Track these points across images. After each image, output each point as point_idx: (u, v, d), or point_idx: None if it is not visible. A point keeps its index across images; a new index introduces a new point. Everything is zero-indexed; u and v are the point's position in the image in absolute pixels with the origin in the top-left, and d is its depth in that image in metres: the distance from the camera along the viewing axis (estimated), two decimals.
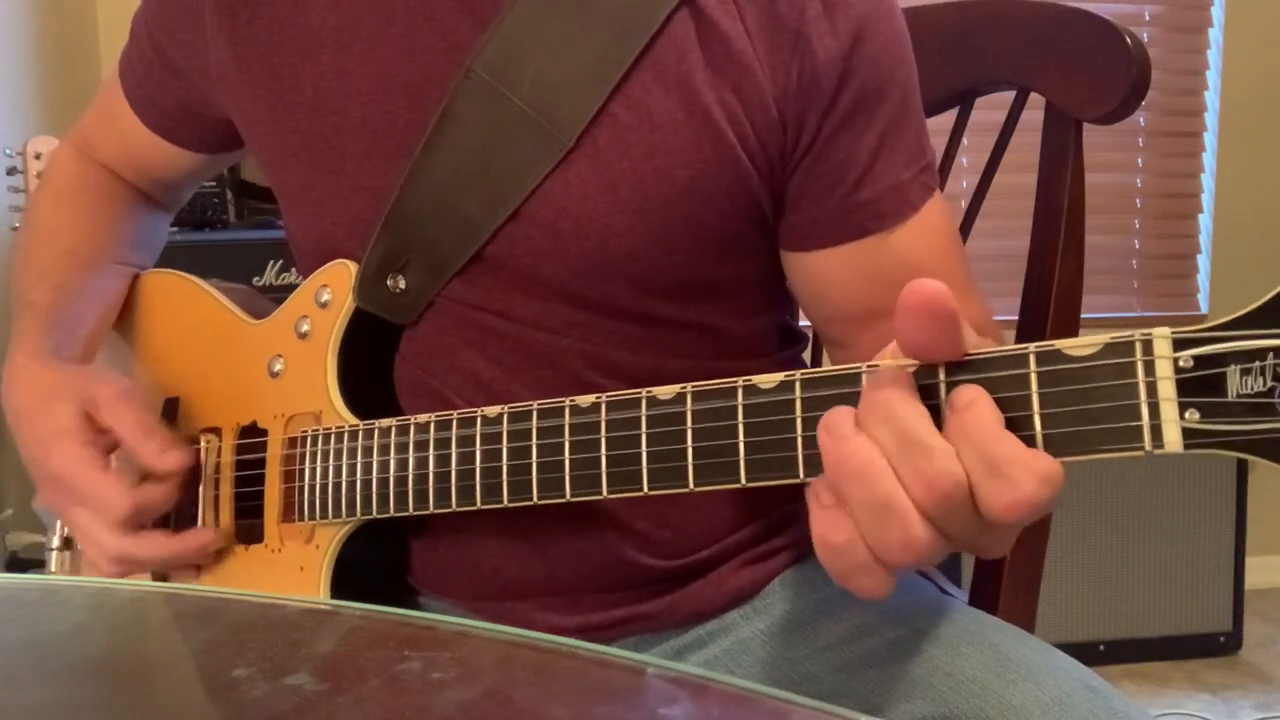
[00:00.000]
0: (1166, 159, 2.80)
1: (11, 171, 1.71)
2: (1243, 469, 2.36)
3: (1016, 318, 0.94)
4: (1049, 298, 0.90)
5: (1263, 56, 2.75)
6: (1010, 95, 0.97)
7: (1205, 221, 2.82)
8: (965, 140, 1.01)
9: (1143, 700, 2.22)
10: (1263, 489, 2.45)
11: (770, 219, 0.79)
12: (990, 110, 1.00)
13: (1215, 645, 2.39)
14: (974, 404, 0.50)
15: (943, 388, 0.52)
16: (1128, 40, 0.85)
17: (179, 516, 0.85)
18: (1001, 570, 0.90)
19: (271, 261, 1.83)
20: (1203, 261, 2.83)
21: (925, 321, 0.51)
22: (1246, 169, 2.78)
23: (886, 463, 0.51)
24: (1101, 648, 2.34)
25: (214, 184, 1.95)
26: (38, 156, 1.67)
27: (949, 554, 0.54)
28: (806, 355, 0.94)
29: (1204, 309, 2.82)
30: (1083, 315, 0.92)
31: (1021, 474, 0.49)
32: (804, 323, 0.92)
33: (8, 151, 1.70)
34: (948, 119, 1.01)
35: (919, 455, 0.50)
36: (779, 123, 0.75)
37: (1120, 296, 2.81)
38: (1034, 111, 0.94)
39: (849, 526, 0.52)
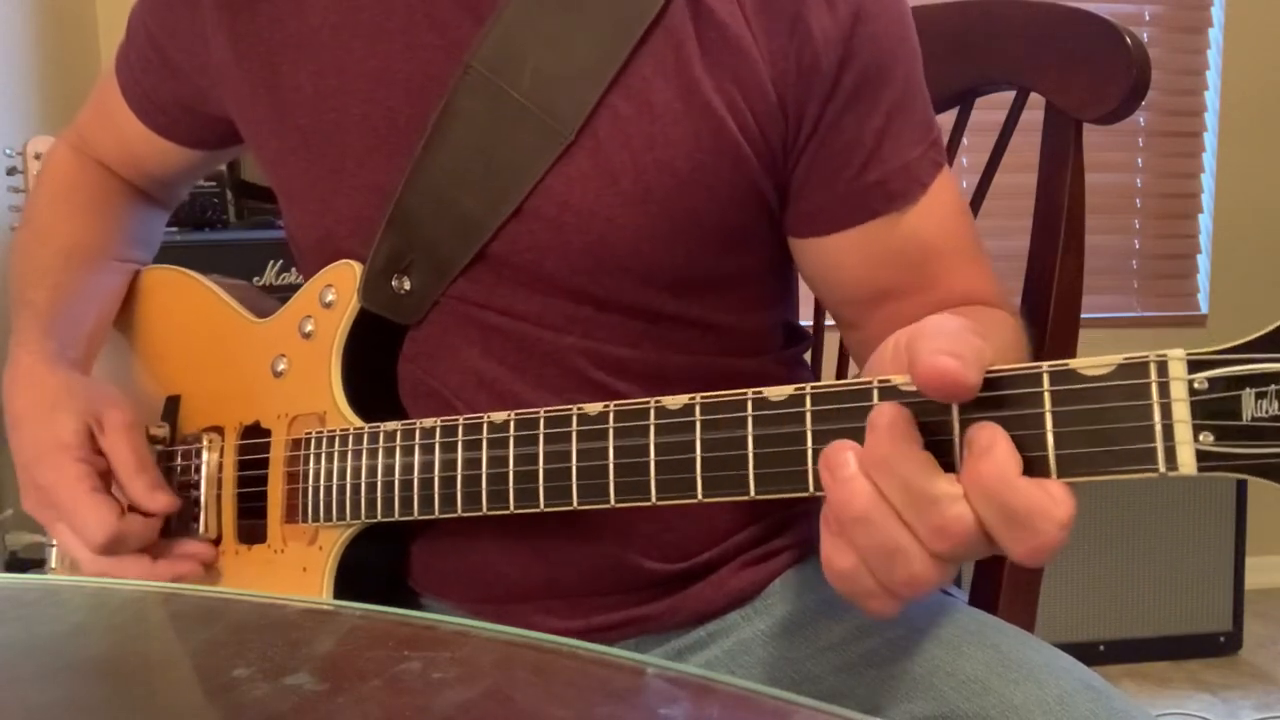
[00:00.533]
0: (1166, 159, 2.80)
1: (11, 171, 1.71)
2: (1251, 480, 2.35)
3: None
4: (1049, 298, 0.90)
5: (1263, 56, 2.75)
6: (1010, 95, 0.97)
7: (1205, 221, 2.82)
8: (965, 140, 1.01)
9: (1143, 700, 2.22)
10: (1263, 490, 2.43)
11: (774, 209, 0.78)
12: (990, 110, 0.99)
13: (1215, 645, 2.39)
14: (992, 449, 0.50)
15: (954, 405, 0.52)
16: (1128, 40, 0.85)
17: (179, 515, 0.85)
18: (1001, 570, 0.90)
19: (271, 261, 1.83)
20: (1203, 261, 2.83)
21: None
22: (1246, 169, 2.78)
23: (890, 508, 0.51)
24: (1101, 648, 2.34)
25: (214, 184, 1.95)
26: (37, 156, 1.67)
27: None
28: (807, 357, 0.94)
29: (1204, 309, 2.82)
30: (1083, 315, 0.92)
31: (1043, 523, 0.49)
32: (805, 322, 0.92)
33: (8, 151, 1.70)
34: (948, 119, 1.00)
35: (927, 506, 0.50)
36: (779, 108, 0.74)
37: (1120, 296, 2.81)
38: (1034, 111, 0.94)
39: (854, 556, 0.53)
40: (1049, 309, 0.90)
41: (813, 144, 0.75)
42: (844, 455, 0.52)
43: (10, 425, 0.84)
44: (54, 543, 0.92)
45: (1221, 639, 2.39)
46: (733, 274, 0.80)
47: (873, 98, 0.75)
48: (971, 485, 0.50)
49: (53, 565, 0.92)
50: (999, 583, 0.91)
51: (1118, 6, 2.70)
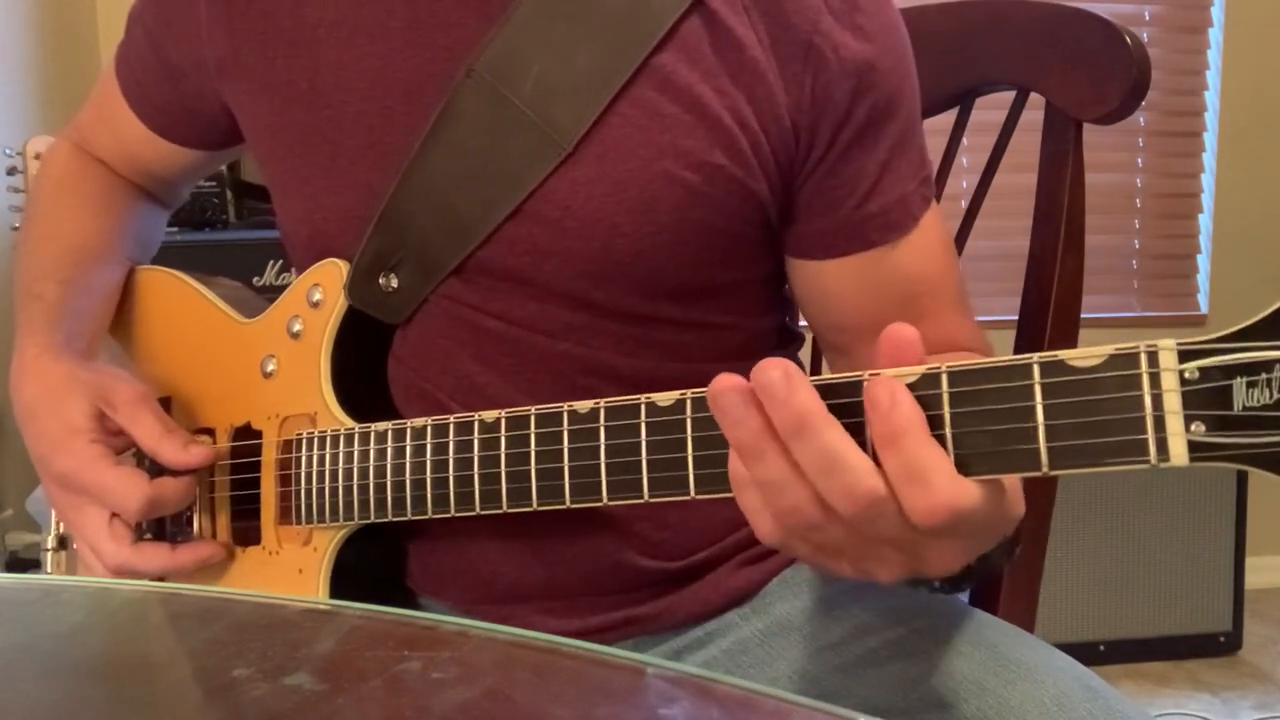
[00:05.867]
0: (1166, 159, 2.80)
1: (11, 171, 1.71)
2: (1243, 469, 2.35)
3: (1016, 318, 0.94)
4: (1049, 298, 0.90)
5: (1263, 56, 2.75)
6: (1010, 95, 0.97)
7: (1205, 221, 2.82)
8: (965, 140, 1.01)
9: (1143, 700, 2.22)
10: (1263, 490, 2.45)
11: (775, 226, 0.79)
12: (990, 110, 1.00)
13: (1215, 645, 2.39)
14: (897, 404, 0.50)
15: (945, 398, 0.52)
16: (1128, 40, 0.85)
17: (173, 518, 0.84)
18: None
19: (271, 261, 1.83)
20: (1203, 261, 2.83)
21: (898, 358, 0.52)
22: (1246, 169, 2.78)
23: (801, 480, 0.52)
24: (1101, 648, 2.34)
25: (214, 184, 1.95)
26: (37, 156, 1.67)
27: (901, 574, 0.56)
28: (804, 355, 0.94)
29: (1204, 309, 2.82)
30: (1083, 315, 0.92)
31: (942, 480, 0.50)
32: (801, 323, 0.92)
33: (8, 151, 1.70)
34: (948, 119, 1.01)
35: (838, 471, 0.51)
36: (792, 133, 0.75)
37: (1120, 296, 2.81)
38: (1034, 111, 0.94)
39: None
40: (1049, 309, 0.90)
41: (821, 170, 0.76)
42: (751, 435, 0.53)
43: (21, 418, 0.83)
44: (48, 546, 0.92)
45: (1221, 639, 2.39)
46: (733, 283, 0.80)
47: (879, 131, 0.76)
48: (882, 440, 0.51)
49: (48, 568, 0.92)
50: (999, 583, 0.91)
51: (1118, 6, 2.69)
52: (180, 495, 0.80)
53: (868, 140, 0.76)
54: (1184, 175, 2.81)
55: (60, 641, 0.57)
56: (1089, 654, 2.28)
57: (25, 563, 1.83)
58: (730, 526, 0.82)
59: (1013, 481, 0.56)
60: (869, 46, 0.74)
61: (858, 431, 0.52)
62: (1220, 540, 2.36)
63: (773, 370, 0.52)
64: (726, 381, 0.53)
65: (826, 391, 0.55)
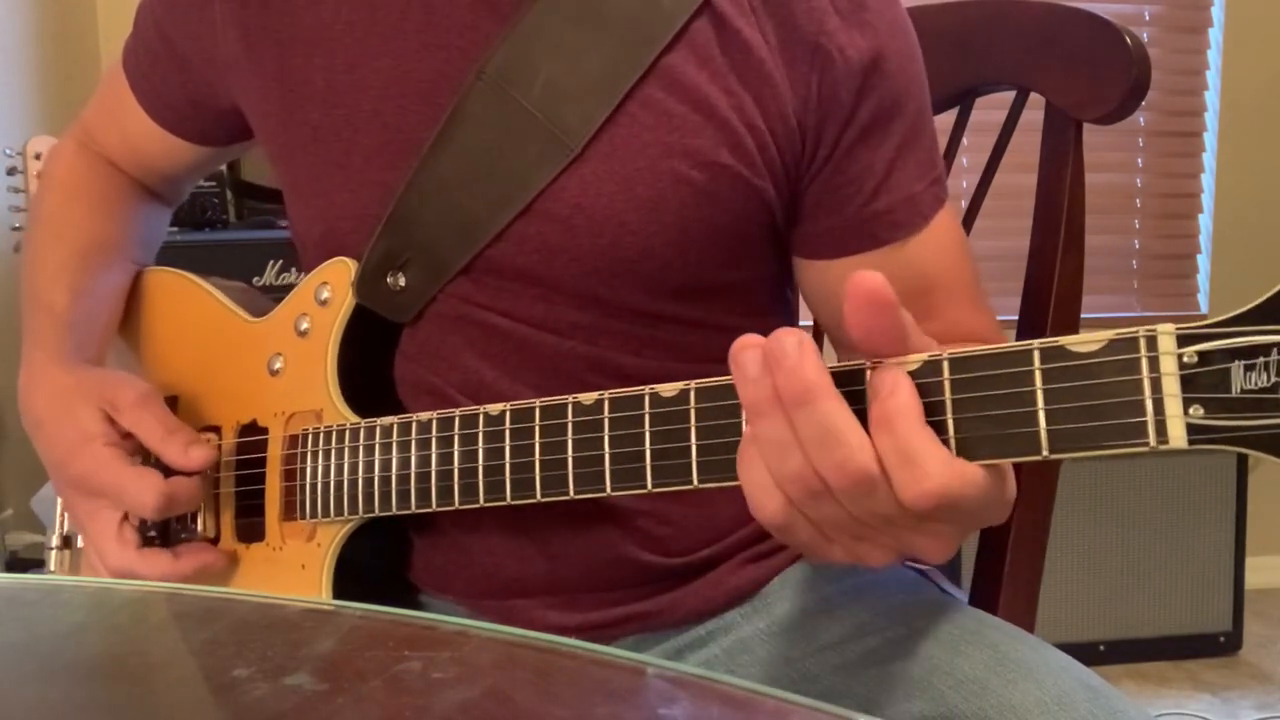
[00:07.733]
0: (1166, 159, 2.80)
1: (11, 171, 1.71)
2: (1243, 469, 2.36)
3: (1016, 318, 0.94)
4: (1049, 298, 0.90)
5: (1263, 56, 2.75)
6: (1010, 95, 0.97)
7: (1205, 221, 2.82)
8: (965, 140, 1.01)
9: (1143, 700, 2.22)
10: (1263, 489, 2.45)
11: (781, 227, 0.79)
12: (990, 110, 1.00)
13: (1215, 645, 2.39)
14: (897, 390, 0.51)
15: (946, 385, 0.52)
16: (1128, 40, 0.85)
17: (178, 515, 0.84)
18: (1001, 570, 0.90)
19: (271, 261, 1.83)
20: (1203, 261, 2.83)
21: (866, 307, 0.53)
22: (1246, 169, 2.78)
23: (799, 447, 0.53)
24: (1101, 648, 2.34)
25: (214, 184, 1.95)
26: (37, 156, 1.67)
27: (897, 557, 0.56)
28: None
29: (1204, 309, 2.82)
30: (1083, 315, 0.92)
31: (933, 465, 0.51)
32: (804, 322, 0.92)
33: (8, 151, 1.70)
34: (948, 119, 1.01)
35: (833, 445, 0.52)
36: (798, 133, 0.75)
37: (1120, 296, 2.81)
38: (1034, 111, 0.94)
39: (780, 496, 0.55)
40: (1049, 309, 0.90)
41: (827, 170, 0.77)
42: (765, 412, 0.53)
43: (30, 428, 0.84)
44: (52, 545, 0.92)
45: (1221, 639, 2.39)
46: (738, 283, 0.81)
47: (885, 130, 0.76)
48: (877, 424, 0.52)
49: (51, 567, 0.92)
50: (999, 583, 0.91)
51: (1118, 6, 2.69)
52: (192, 495, 0.80)
53: (873, 138, 0.76)
54: (1184, 175, 2.81)
55: (60, 641, 0.57)
56: (1089, 654, 2.28)
57: (26, 563, 1.83)
58: (733, 524, 0.82)
59: (1007, 465, 0.56)
60: (875, 45, 0.75)
61: (860, 418, 0.53)
62: (1220, 540, 2.36)
63: (787, 338, 0.52)
64: (750, 339, 0.54)
65: (835, 378, 0.55)
